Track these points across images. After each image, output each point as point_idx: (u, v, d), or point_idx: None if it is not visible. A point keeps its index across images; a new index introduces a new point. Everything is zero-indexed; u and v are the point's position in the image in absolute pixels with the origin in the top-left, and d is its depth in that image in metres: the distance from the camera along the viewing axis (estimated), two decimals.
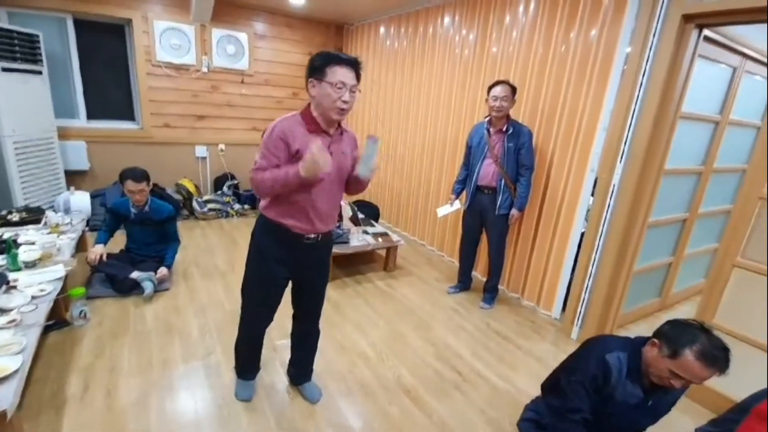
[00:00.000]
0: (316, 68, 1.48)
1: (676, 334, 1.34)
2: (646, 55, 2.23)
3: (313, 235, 1.65)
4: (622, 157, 2.38)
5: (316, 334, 1.97)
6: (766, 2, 1.79)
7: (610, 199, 2.45)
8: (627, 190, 2.38)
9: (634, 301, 2.90)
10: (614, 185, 2.42)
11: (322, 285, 1.86)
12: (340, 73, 1.46)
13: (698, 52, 2.24)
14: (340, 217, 3.64)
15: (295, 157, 1.51)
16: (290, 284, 1.79)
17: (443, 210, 3.16)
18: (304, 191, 1.56)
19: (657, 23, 2.18)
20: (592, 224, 2.56)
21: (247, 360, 1.96)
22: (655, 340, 1.40)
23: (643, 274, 2.78)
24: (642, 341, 1.48)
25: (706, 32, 2.21)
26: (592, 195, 2.63)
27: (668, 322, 1.42)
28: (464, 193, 3.02)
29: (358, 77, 1.52)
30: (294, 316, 1.91)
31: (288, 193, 1.55)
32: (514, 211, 2.78)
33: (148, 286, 2.67)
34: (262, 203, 1.66)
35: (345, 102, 1.48)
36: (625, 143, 2.36)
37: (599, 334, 2.54)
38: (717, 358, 1.26)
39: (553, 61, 2.80)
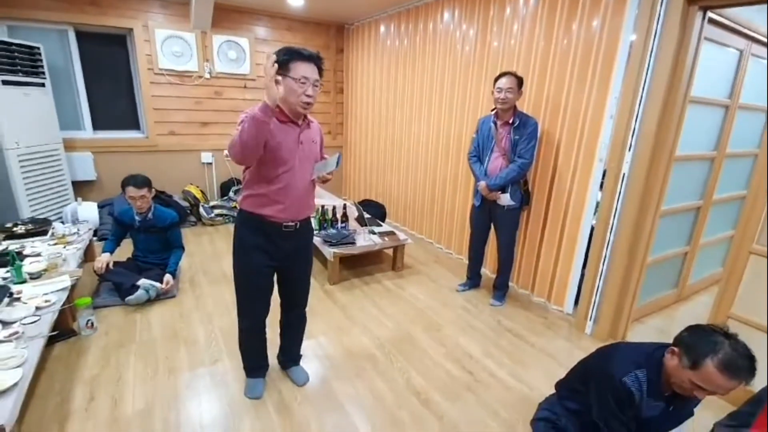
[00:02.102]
0: (280, 64, 1.50)
1: (696, 342, 1.25)
2: (651, 39, 2.16)
3: (291, 223, 1.70)
4: (631, 145, 2.31)
5: (303, 319, 2.04)
6: None
7: (620, 188, 2.37)
8: (637, 179, 2.30)
9: (650, 293, 2.82)
10: (624, 174, 2.35)
11: (305, 272, 1.93)
12: (303, 69, 1.52)
13: (704, 35, 2.16)
14: (345, 218, 3.61)
15: (265, 147, 1.53)
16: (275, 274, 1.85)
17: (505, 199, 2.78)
18: (278, 179, 1.60)
19: (660, 6, 2.11)
20: (602, 215, 2.48)
21: (251, 356, 1.98)
22: (675, 348, 1.32)
23: (657, 265, 2.69)
24: (661, 352, 1.38)
25: (711, 14, 2.14)
26: (601, 187, 2.54)
27: (688, 328, 1.33)
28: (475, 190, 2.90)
29: (320, 72, 1.58)
30: (281, 305, 1.96)
31: (263, 176, 1.60)
32: (481, 183, 2.72)
33: (142, 295, 2.67)
34: (240, 198, 1.71)
35: (309, 96, 1.55)
36: (633, 131, 2.29)
37: (613, 339, 2.50)
38: (741, 368, 1.17)
39: (555, 52, 2.73)
